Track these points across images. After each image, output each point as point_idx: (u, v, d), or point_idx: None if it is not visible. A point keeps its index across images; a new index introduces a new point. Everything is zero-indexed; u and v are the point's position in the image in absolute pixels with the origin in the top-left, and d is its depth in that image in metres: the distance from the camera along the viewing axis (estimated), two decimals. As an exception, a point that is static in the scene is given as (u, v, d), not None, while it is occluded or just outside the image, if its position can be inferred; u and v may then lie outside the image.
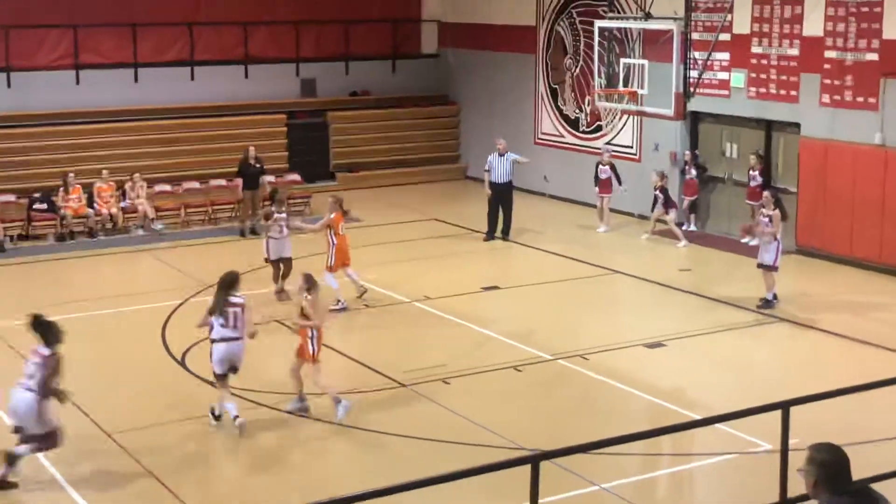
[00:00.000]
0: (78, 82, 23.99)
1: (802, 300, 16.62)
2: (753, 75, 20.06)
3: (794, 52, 19.30)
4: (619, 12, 22.03)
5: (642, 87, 20.80)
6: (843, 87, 18.57)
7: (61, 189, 21.52)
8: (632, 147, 22.76)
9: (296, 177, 24.42)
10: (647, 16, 20.58)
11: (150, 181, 22.61)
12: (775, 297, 16.11)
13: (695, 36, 20.57)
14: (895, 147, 17.85)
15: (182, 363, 13.92)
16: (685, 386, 13.27)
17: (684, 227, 20.99)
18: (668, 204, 20.38)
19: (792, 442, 7.11)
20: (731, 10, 20.04)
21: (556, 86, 24.74)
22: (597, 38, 22.01)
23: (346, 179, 26.01)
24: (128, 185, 22.23)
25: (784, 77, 19.52)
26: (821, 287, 17.54)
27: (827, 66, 18.76)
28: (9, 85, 23.35)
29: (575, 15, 24.03)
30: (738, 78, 20.35)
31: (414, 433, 11.72)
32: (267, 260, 16.77)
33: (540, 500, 6.28)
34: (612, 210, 21.62)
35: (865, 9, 18.08)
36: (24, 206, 21.52)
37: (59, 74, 23.82)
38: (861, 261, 18.30)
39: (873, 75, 18.05)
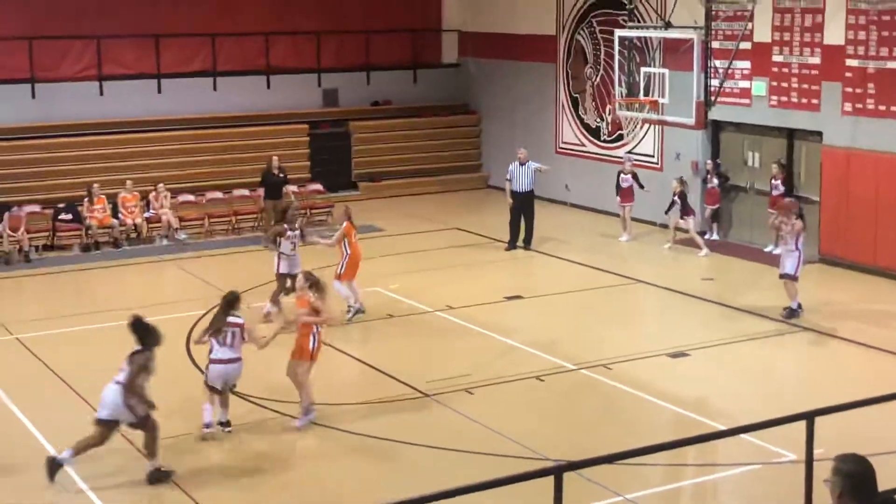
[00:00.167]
0: (102, 93, 24.18)
1: (826, 309, 16.58)
2: (775, 84, 20.04)
3: (816, 60, 19.27)
4: (639, 21, 22.06)
5: (663, 96, 20.82)
6: (864, 95, 18.53)
7: (86, 199, 21.70)
8: (653, 156, 22.77)
9: (318, 186, 24.53)
10: (668, 25, 20.61)
11: (173, 191, 22.76)
12: (800, 306, 16.07)
13: (715, 45, 20.59)
14: (918, 155, 17.81)
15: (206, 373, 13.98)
16: (709, 396, 13.26)
17: (707, 236, 20.99)
18: (685, 210, 20.36)
19: (817, 452, 7.11)
20: (751, 19, 20.04)
21: (577, 95, 24.78)
22: (617, 48, 22.02)
23: (368, 189, 26.11)
24: (152, 196, 22.40)
25: (805, 85, 19.49)
26: (844, 296, 17.49)
27: (848, 74, 18.73)
28: (33, 96, 23.57)
29: (595, 24, 24.07)
30: (759, 86, 20.34)
31: (436, 443, 11.75)
32: (277, 275, 16.48)
33: (563, 511, 6.30)
34: (634, 219, 21.62)
35: (886, 17, 18.05)
36: (49, 217, 21.71)
37: (83, 85, 24.03)
38: (885, 269, 18.25)
39: (895, 83, 18.00)
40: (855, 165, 18.68)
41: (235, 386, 12.19)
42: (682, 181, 20.55)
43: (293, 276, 16.60)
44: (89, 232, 21.57)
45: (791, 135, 20.10)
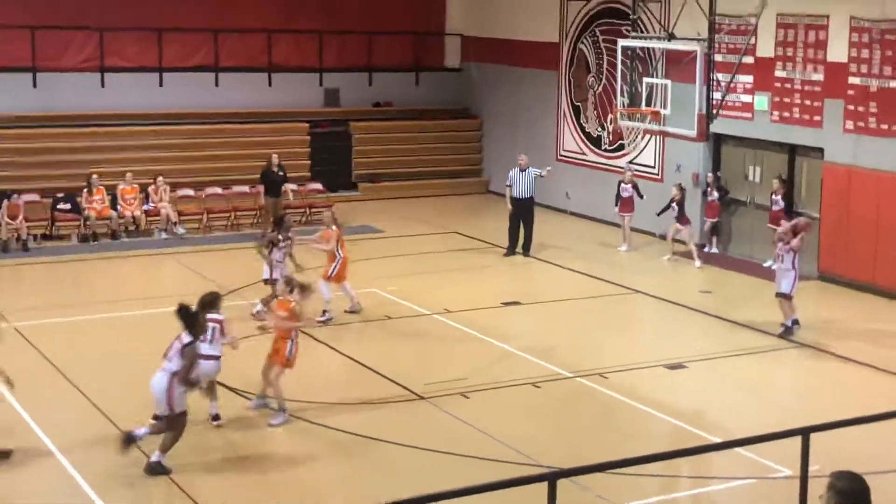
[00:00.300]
0: (103, 85, 24.18)
1: (823, 327, 16.59)
2: (777, 99, 20.08)
3: (818, 76, 19.32)
4: (642, 32, 22.10)
5: (665, 107, 20.88)
6: (867, 113, 18.57)
7: (85, 190, 21.68)
8: (654, 167, 22.80)
9: (318, 186, 24.53)
10: (671, 36, 20.66)
11: (173, 185, 22.75)
12: (796, 322, 16.08)
13: (718, 58, 20.61)
14: (919, 175, 17.85)
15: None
16: (705, 408, 13.26)
17: (706, 249, 21.02)
18: (682, 219, 20.39)
19: (812, 469, 7.11)
20: (754, 33, 20.08)
21: (579, 103, 24.81)
22: (620, 57, 22.07)
23: (368, 190, 26.12)
24: (151, 189, 22.39)
25: (808, 102, 19.54)
26: (842, 314, 17.50)
27: (851, 91, 18.77)
28: (35, 85, 23.57)
29: (598, 33, 24.11)
30: (761, 101, 20.38)
31: (431, 445, 11.75)
32: (266, 281, 16.14)
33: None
34: (634, 230, 21.64)
35: (890, 36, 18.09)
36: (48, 206, 21.71)
37: (85, 77, 24.02)
38: (884, 288, 18.27)
39: (898, 103, 18.06)
40: (856, 183, 18.72)
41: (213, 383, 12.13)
42: (681, 188, 20.59)
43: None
44: (87, 223, 21.56)
45: (792, 150, 20.14)
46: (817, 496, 5.43)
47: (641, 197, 21.28)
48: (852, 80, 18.74)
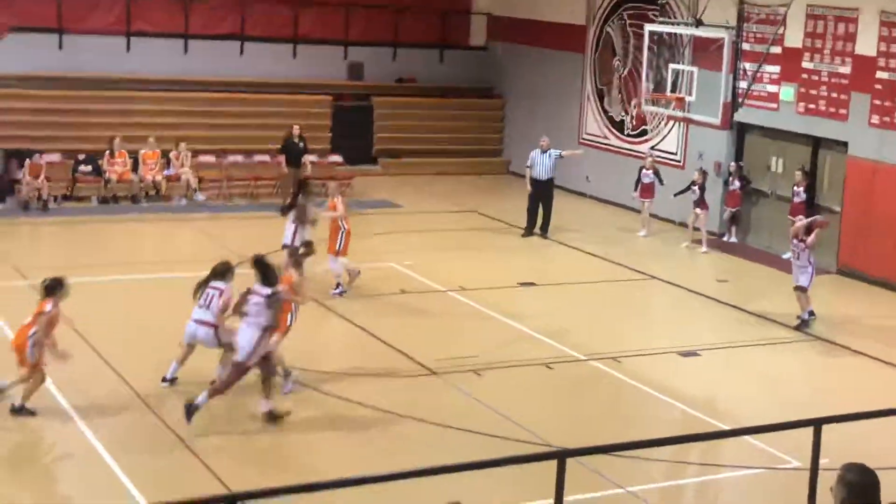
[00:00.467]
0: (129, 49, 24.19)
1: (840, 321, 16.51)
2: (803, 90, 19.95)
3: (846, 69, 19.18)
4: (670, 17, 21.97)
5: (690, 94, 20.75)
6: (893, 108, 18.44)
7: (107, 153, 21.75)
8: (676, 154, 22.71)
9: (338, 158, 24.52)
10: (699, 23, 20.50)
11: (194, 151, 22.79)
12: (812, 314, 16.02)
13: (745, 46, 20.53)
14: (943, 173, 17.72)
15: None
16: (716, 397, 13.26)
17: (724, 238, 20.98)
18: (701, 203, 20.34)
19: (822, 462, 7.11)
20: (783, 24, 19.94)
21: (603, 87, 24.70)
22: (647, 42, 21.94)
23: (388, 165, 26.10)
24: (173, 154, 22.43)
25: (834, 94, 19.41)
26: (859, 309, 17.41)
27: (878, 86, 18.62)
28: (60, 47, 23.58)
29: (626, 17, 23.97)
30: (787, 92, 20.25)
31: (441, 421, 11.78)
32: (285, 247, 15.84)
33: (564, 499, 6.31)
34: (653, 216, 21.58)
35: (921, 32, 17.96)
36: (69, 167, 21.79)
37: (111, 40, 24.02)
38: (902, 285, 18.19)
39: (925, 99, 17.94)
40: (880, 178, 18.60)
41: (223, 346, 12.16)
42: (703, 172, 20.55)
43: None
44: (108, 185, 21.64)
45: (817, 143, 20.01)
46: (827, 488, 5.43)
47: (662, 183, 21.20)
48: (880, 74, 18.59)
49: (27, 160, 20.93)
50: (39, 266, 16.73)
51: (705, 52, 20.69)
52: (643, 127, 23.62)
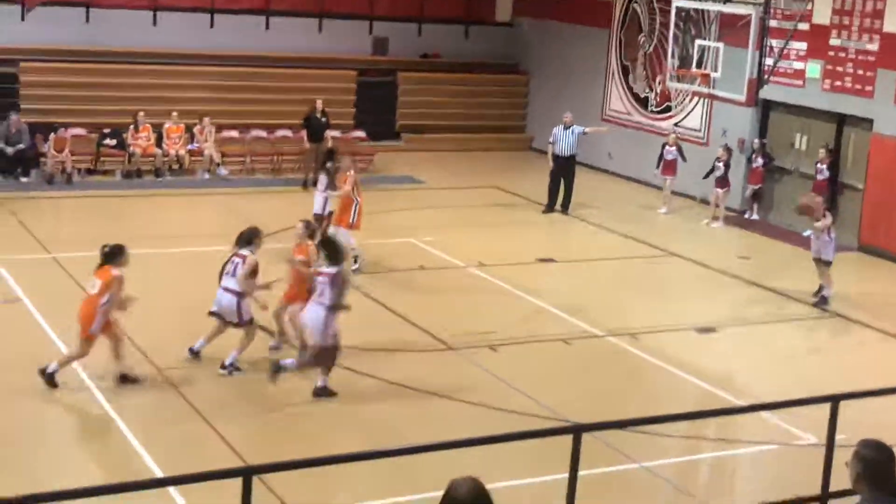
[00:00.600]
0: (155, 23, 24.26)
1: (860, 298, 16.44)
2: (829, 67, 19.79)
3: (873, 47, 19.01)
4: (697, -7, 21.81)
5: (716, 71, 20.67)
6: (920, 86, 18.28)
7: (131, 127, 21.87)
8: (699, 131, 22.59)
9: (361, 134, 24.54)
10: (726, -1, 20.38)
11: (218, 126, 22.87)
12: (822, 291, 15.97)
13: (773, 23, 20.38)
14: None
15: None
16: (734, 373, 13.24)
17: (746, 216, 20.91)
18: (724, 181, 20.28)
19: (839, 438, 7.11)
20: (811, 0, 19.76)
21: (628, 63, 24.58)
22: (673, 18, 21.81)
23: (412, 140, 26.10)
24: (196, 129, 22.52)
25: (860, 71, 19.24)
26: (880, 286, 17.35)
27: (906, 63, 18.47)
28: (87, 20, 23.68)
29: (653, -7, 23.83)
30: (813, 69, 20.09)
31: (457, 395, 11.83)
32: (317, 216, 16.37)
33: (580, 473, 6.35)
34: (675, 193, 21.50)
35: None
36: (93, 141, 21.92)
37: (137, 14, 24.09)
38: (924, 264, 18.08)
39: (953, 77, 17.76)
40: (904, 157, 18.46)
41: (236, 323, 12.22)
42: (727, 149, 20.49)
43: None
44: (132, 159, 21.76)
45: (842, 120, 19.86)
46: (842, 465, 5.46)
47: (685, 160, 21.12)
48: (907, 51, 18.43)
49: (52, 134, 21.07)
50: (63, 240, 16.93)
51: (732, 28, 20.59)
52: (667, 103, 23.50)
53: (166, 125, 22.18)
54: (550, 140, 21.01)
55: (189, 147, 22.36)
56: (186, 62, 24.21)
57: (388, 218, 18.50)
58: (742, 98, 20.24)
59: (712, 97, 21.55)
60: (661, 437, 10.66)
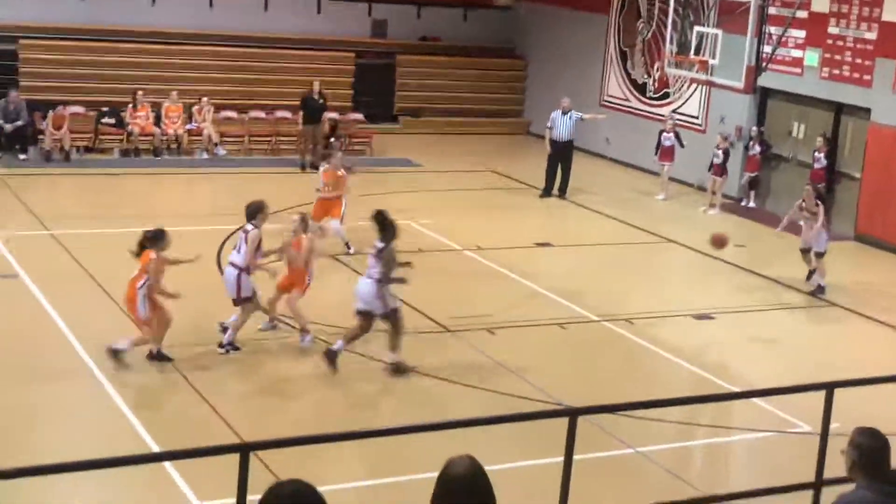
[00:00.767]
0: (154, 2, 24.21)
1: (856, 288, 16.50)
2: (828, 56, 19.81)
3: (872, 35, 19.02)
4: (697, -21, 21.80)
5: (714, 57, 20.66)
6: (918, 76, 18.30)
7: (130, 106, 21.85)
8: (697, 118, 22.61)
9: (359, 116, 24.53)
10: (726, -14, 20.37)
11: (216, 106, 22.86)
12: (811, 277, 16.06)
13: (772, 10, 20.37)
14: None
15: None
16: (729, 360, 13.30)
17: (742, 203, 20.96)
18: (721, 168, 20.32)
19: (833, 427, 7.16)
20: (811, -13, 19.78)
21: (627, 49, 24.57)
22: (672, 4, 21.79)
23: (409, 123, 26.09)
24: (195, 108, 22.51)
25: (859, 60, 19.26)
26: (876, 276, 17.40)
27: (904, 53, 18.48)
28: (85, -1, 23.65)
29: (652, -22, 23.81)
30: (811, 57, 20.11)
31: (454, 378, 11.89)
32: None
33: (574, 457, 6.39)
34: (673, 179, 21.53)
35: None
36: (92, 119, 21.92)
37: (136, -7, 24.07)
38: (920, 253, 18.13)
39: (951, 67, 17.78)
40: (901, 146, 18.49)
41: (235, 301, 12.25)
42: (726, 138, 20.55)
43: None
44: (130, 138, 21.75)
45: (839, 109, 19.89)
46: (837, 453, 5.50)
47: (682, 146, 21.14)
48: (906, 40, 18.45)
49: (51, 111, 21.05)
50: (61, 216, 16.93)
51: (731, 15, 20.58)
52: (665, 90, 23.51)
53: (165, 104, 22.16)
54: (548, 125, 21.02)
55: (187, 127, 22.35)
56: (186, 42, 24.19)
57: (385, 200, 18.44)
58: (740, 85, 20.25)
59: (710, 84, 21.56)
60: (657, 422, 10.73)
